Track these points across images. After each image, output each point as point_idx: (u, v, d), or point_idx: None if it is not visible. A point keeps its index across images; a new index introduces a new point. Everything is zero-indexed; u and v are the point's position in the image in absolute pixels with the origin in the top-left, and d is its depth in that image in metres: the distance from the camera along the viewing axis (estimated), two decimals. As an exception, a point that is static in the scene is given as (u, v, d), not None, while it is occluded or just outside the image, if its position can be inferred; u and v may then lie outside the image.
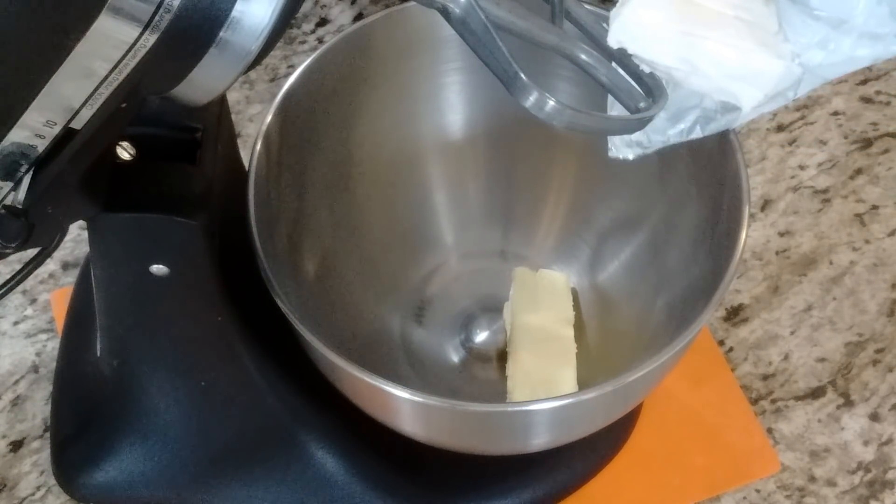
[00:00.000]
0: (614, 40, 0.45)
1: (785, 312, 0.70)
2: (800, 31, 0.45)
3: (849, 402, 0.67)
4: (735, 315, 0.70)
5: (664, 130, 0.50)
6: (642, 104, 0.44)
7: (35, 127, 0.37)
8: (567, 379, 0.60)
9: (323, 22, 0.83)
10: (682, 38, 0.45)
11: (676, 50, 0.45)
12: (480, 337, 0.66)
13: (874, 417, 0.66)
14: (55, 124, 0.38)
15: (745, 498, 0.64)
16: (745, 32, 0.45)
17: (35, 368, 0.68)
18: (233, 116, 0.57)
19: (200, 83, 0.38)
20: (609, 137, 0.52)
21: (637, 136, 0.50)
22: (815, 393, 0.67)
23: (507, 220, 0.68)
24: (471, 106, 0.65)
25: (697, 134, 0.50)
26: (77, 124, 0.38)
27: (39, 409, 0.67)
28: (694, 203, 0.59)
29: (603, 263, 0.66)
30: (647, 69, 0.45)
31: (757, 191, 0.75)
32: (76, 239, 0.72)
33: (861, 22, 0.44)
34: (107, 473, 0.61)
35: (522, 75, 0.39)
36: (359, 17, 0.84)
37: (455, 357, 0.66)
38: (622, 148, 0.52)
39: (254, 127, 0.77)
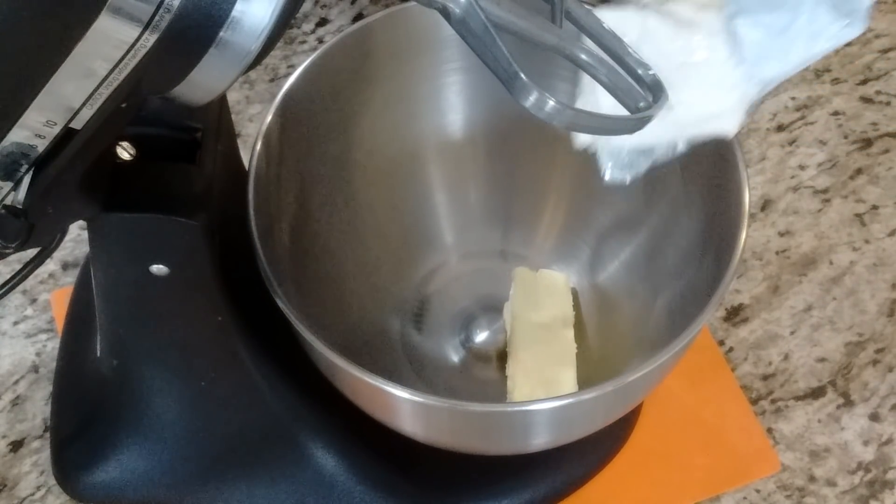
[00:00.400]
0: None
1: (785, 312, 0.70)
2: (751, 50, 0.47)
3: (849, 402, 0.67)
4: (735, 315, 0.70)
5: (651, 152, 0.51)
6: (642, 104, 0.44)
7: (35, 127, 0.37)
8: (567, 379, 0.60)
9: (323, 22, 0.83)
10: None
11: (653, 127, 0.47)
12: (480, 337, 0.66)
13: (874, 417, 0.66)
14: (55, 124, 0.38)
15: (745, 498, 0.64)
16: (697, 76, 0.48)
17: (35, 368, 0.68)
18: (233, 116, 0.57)
19: (200, 83, 0.38)
20: (602, 163, 0.53)
21: (628, 159, 0.51)
22: (815, 393, 0.67)
23: (507, 220, 0.68)
24: (471, 106, 0.65)
25: (682, 147, 0.51)
26: (77, 124, 0.38)
27: (39, 409, 0.67)
28: (694, 203, 0.59)
29: (603, 263, 0.66)
30: (647, 71, 0.45)
31: (757, 191, 0.75)
32: (76, 239, 0.72)
33: (806, 23, 0.46)
34: (107, 473, 0.61)
35: (522, 75, 0.39)
36: (359, 17, 0.84)
37: (455, 357, 0.66)
38: (616, 172, 0.52)
39: (254, 127, 0.77)
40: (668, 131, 0.50)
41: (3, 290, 0.48)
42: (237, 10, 0.36)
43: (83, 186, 0.43)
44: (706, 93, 0.49)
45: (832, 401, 0.67)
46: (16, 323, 0.70)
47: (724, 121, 0.49)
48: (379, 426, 0.55)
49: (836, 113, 0.79)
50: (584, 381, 0.61)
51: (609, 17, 0.46)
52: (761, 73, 0.48)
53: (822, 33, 0.46)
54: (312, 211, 0.62)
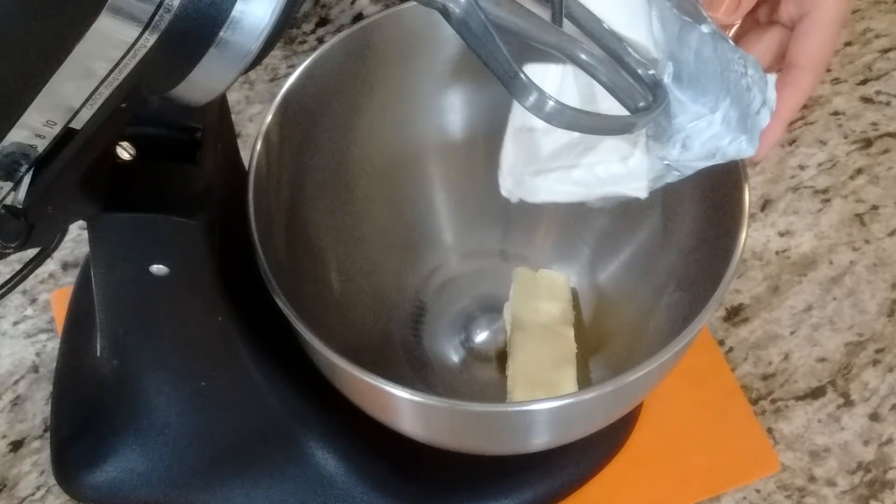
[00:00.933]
0: (510, 195, 0.53)
1: (785, 312, 0.70)
2: (658, 135, 0.49)
3: (849, 402, 0.67)
4: (735, 315, 0.70)
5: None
6: (642, 104, 0.44)
7: (35, 127, 0.37)
8: (567, 379, 0.60)
9: (323, 22, 0.83)
10: (558, 174, 0.52)
11: (560, 185, 0.52)
12: (480, 337, 0.66)
13: (874, 417, 0.66)
14: (55, 124, 0.38)
15: (745, 498, 0.64)
16: (606, 147, 0.51)
17: (35, 368, 0.68)
18: (233, 116, 0.57)
19: (200, 83, 0.38)
20: (501, 182, 0.55)
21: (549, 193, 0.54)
22: (815, 393, 0.67)
23: (507, 220, 0.68)
24: (471, 106, 0.65)
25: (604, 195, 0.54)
26: (77, 124, 0.38)
27: (39, 409, 0.67)
28: (694, 203, 0.59)
29: (603, 263, 0.66)
30: (646, 71, 0.45)
31: (757, 191, 0.75)
32: (76, 239, 0.72)
33: (718, 121, 0.47)
34: (107, 473, 0.61)
35: (522, 75, 0.39)
36: (359, 17, 0.84)
37: (455, 357, 0.66)
38: (514, 191, 0.55)
39: (254, 127, 0.77)
40: (576, 192, 0.53)
41: (3, 290, 0.48)
42: (237, 10, 0.36)
43: (83, 186, 0.43)
44: (605, 153, 0.51)
45: (832, 401, 0.67)
46: (16, 323, 0.70)
47: (629, 185, 0.51)
48: (379, 426, 0.55)
49: (836, 113, 0.79)
50: (584, 382, 0.61)
51: (530, 70, 0.48)
52: (662, 151, 0.49)
53: (723, 140, 0.48)
54: (312, 211, 0.62)
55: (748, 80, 0.47)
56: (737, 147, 0.48)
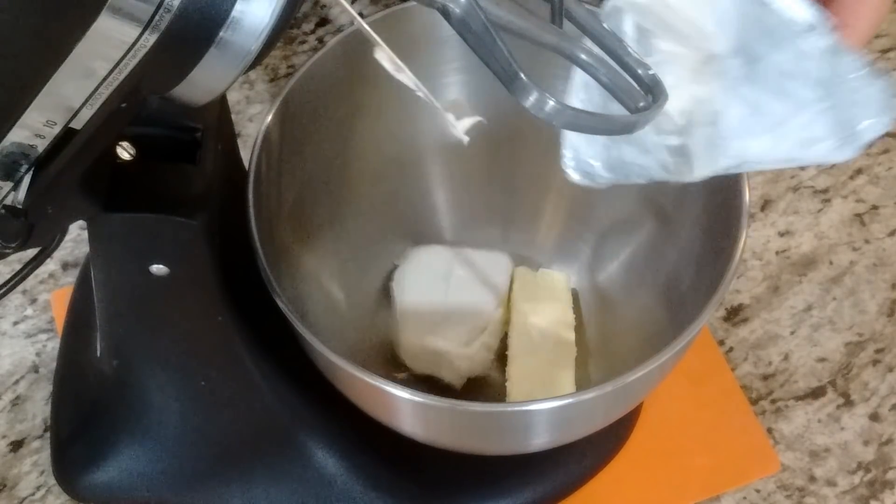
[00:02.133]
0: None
1: (785, 312, 0.70)
2: (740, 123, 0.46)
3: (849, 402, 0.67)
4: (735, 315, 0.70)
5: (620, 169, 0.51)
6: (642, 104, 0.43)
7: (35, 127, 0.37)
8: (566, 380, 0.61)
9: (323, 22, 0.83)
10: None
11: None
12: (480, 337, 0.66)
13: (874, 417, 0.66)
14: (55, 124, 0.38)
15: (745, 498, 0.64)
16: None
17: (35, 368, 0.68)
18: (233, 116, 0.57)
19: (200, 83, 0.38)
20: (566, 154, 0.52)
21: (593, 166, 0.51)
22: (815, 393, 0.67)
23: (507, 220, 0.68)
24: (471, 106, 0.64)
25: (647, 179, 0.51)
26: (77, 124, 0.38)
27: (39, 409, 0.67)
28: (694, 203, 0.59)
29: (603, 263, 0.66)
30: (646, 71, 0.45)
31: (757, 191, 0.75)
32: (76, 239, 0.72)
33: (806, 124, 0.45)
34: (107, 473, 0.61)
35: (522, 75, 0.39)
36: (359, 17, 0.84)
37: (455, 357, 0.66)
38: (575, 170, 0.52)
39: (254, 127, 0.77)
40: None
41: (3, 290, 0.48)
42: (237, 10, 0.36)
43: (83, 186, 0.43)
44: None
45: (832, 401, 0.67)
46: (16, 323, 0.70)
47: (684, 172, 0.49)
48: (379, 426, 0.55)
49: (836, 113, 0.79)
50: (585, 382, 0.61)
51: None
52: (743, 151, 0.47)
53: (814, 144, 0.46)
54: (312, 211, 0.62)
55: (864, 96, 0.45)
56: (826, 154, 0.46)
